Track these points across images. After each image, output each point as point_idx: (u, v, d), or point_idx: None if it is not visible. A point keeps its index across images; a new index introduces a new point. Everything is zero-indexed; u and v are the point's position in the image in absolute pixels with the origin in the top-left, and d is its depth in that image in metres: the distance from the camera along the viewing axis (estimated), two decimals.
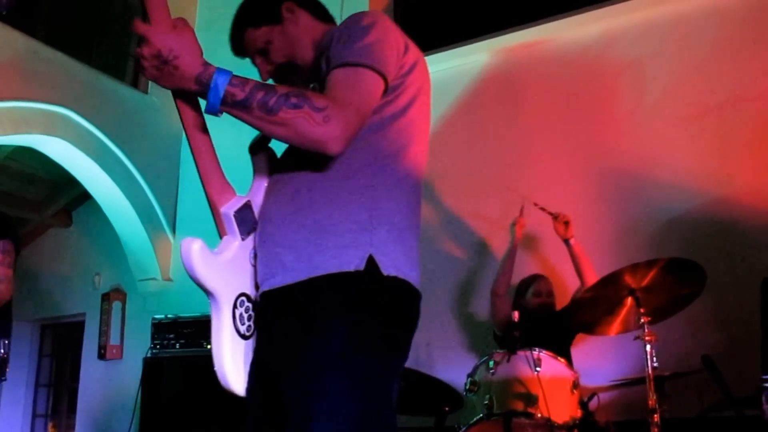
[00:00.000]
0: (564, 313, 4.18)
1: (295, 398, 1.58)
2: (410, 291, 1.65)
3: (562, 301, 4.45)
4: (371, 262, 1.57)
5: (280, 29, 1.90)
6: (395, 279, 1.60)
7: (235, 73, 1.58)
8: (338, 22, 1.99)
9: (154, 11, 1.59)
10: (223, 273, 1.66)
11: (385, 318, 1.58)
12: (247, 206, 1.74)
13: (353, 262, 1.56)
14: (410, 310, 1.67)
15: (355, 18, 1.75)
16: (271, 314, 1.68)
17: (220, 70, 1.58)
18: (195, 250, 1.59)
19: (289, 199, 1.69)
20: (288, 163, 1.77)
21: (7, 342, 3.62)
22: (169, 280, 6.89)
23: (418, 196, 1.79)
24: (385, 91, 1.68)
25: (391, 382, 1.62)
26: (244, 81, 1.56)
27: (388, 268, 1.58)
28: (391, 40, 1.71)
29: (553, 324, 4.26)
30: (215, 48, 7.58)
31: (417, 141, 1.79)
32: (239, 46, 1.96)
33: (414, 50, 1.81)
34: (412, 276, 1.66)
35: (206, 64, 1.60)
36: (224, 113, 1.60)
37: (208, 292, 1.68)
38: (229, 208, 1.70)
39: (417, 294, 1.69)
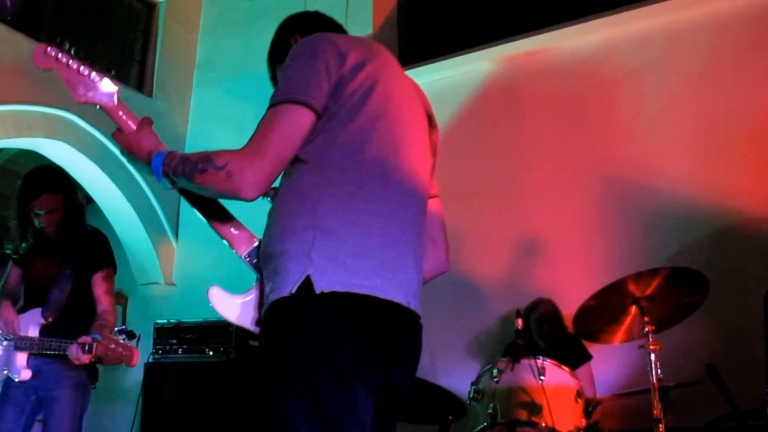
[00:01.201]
0: (574, 338, 4.17)
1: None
2: (358, 302, 1.67)
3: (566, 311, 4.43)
4: (307, 283, 1.64)
5: None
6: (333, 295, 1.64)
7: (167, 152, 1.82)
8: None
9: (117, 121, 1.93)
10: (245, 309, 1.85)
11: (323, 336, 1.64)
12: (259, 246, 1.88)
13: (288, 287, 1.66)
14: (357, 320, 1.67)
15: (290, 53, 1.87)
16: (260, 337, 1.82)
17: (157, 155, 1.82)
18: (213, 295, 1.83)
19: (265, 231, 1.84)
20: None
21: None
22: (172, 284, 6.88)
23: (388, 202, 1.79)
24: (319, 111, 1.76)
25: (346, 396, 1.63)
26: (172, 159, 1.79)
27: (322, 286, 1.63)
28: (318, 59, 1.79)
29: (561, 345, 4.24)
30: (219, 50, 7.58)
31: (373, 145, 1.80)
32: (275, 80, 2.16)
33: (358, 52, 1.85)
34: (368, 286, 1.68)
35: (150, 153, 1.84)
36: (177, 187, 1.85)
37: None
38: (243, 251, 1.89)
39: (369, 301, 1.68)
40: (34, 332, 3.65)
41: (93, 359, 3.47)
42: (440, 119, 6.04)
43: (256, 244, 1.88)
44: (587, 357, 4.23)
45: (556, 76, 5.38)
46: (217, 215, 1.91)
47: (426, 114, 2.10)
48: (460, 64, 5.73)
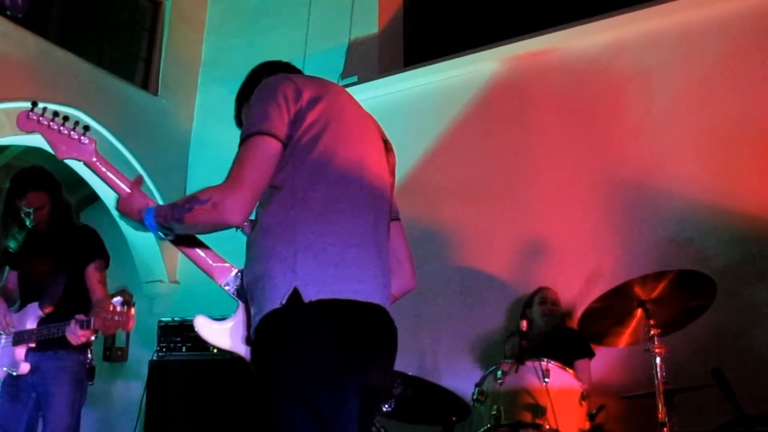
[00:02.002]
0: (575, 333, 4.16)
1: None
2: (342, 306, 1.85)
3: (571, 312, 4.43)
4: (295, 294, 1.81)
5: None
6: (320, 302, 1.81)
7: (155, 206, 2.01)
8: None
9: (101, 176, 2.13)
10: (232, 334, 1.99)
11: (313, 341, 1.81)
12: (239, 275, 2.05)
13: (278, 299, 1.82)
14: (343, 322, 1.84)
15: (252, 95, 2.11)
16: (252, 351, 1.96)
17: (147, 211, 2.00)
18: (199, 324, 1.98)
19: (247, 258, 1.99)
20: None
21: (92, 349, 3.93)
22: (176, 282, 6.88)
23: (356, 214, 1.97)
24: (283, 140, 1.95)
25: (337, 393, 1.80)
26: (161, 209, 1.98)
27: (310, 295, 1.81)
28: (278, 95, 1.99)
29: (562, 335, 4.24)
30: (224, 49, 7.58)
31: (337, 165, 1.99)
32: (239, 119, 2.37)
33: (314, 88, 2.06)
34: (351, 291, 1.86)
35: (141, 212, 2.02)
36: (173, 235, 2.01)
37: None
38: (222, 281, 2.06)
39: (351, 305, 1.86)
40: (32, 325, 3.71)
41: (92, 336, 3.58)
42: (445, 119, 6.10)
43: (235, 272, 2.05)
44: (589, 353, 4.21)
45: (562, 76, 5.36)
46: (197, 250, 2.07)
47: (381, 138, 2.27)
48: (466, 64, 5.71)
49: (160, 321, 5.57)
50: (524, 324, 3.56)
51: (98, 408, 7.03)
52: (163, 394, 5.34)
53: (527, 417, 3.29)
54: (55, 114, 2.17)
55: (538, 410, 3.28)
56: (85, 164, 2.12)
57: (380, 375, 1.97)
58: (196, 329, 1.97)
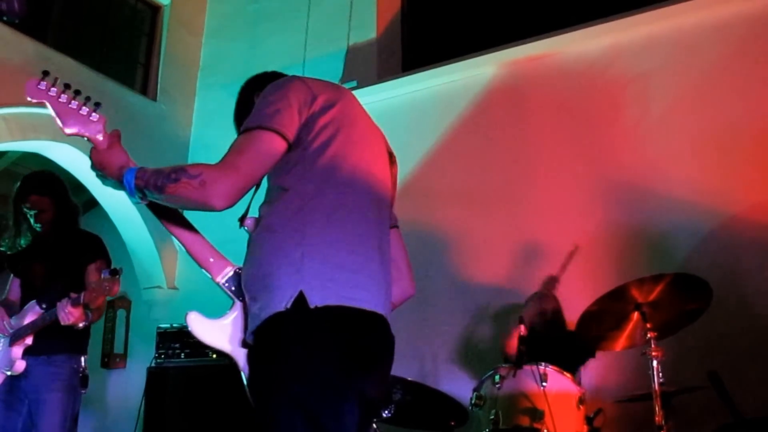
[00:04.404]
0: (575, 335, 4.16)
1: None
2: (349, 315, 1.82)
3: (569, 316, 4.43)
4: (301, 298, 1.77)
5: None
6: (326, 308, 1.78)
7: (139, 168, 1.92)
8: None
9: (90, 138, 2.01)
10: (225, 332, 1.95)
11: (317, 347, 1.77)
12: (237, 273, 2.01)
13: (283, 302, 1.78)
14: (348, 330, 1.81)
15: (264, 91, 2.03)
16: (251, 354, 1.91)
17: (129, 170, 1.91)
18: (191, 320, 1.93)
19: (249, 256, 1.95)
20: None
21: (85, 357, 3.84)
22: (175, 288, 6.89)
23: (361, 222, 1.95)
24: (290, 141, 1.91)
25: (337, 403, 1.77)
26: (144, 172, 1.89)
27: (316, 301, 1.77)
28: (291, 96, 1.95)
29: (562, 343, 4.23)
30: (223, 54, 7.58)
31: (346, 171, 1.97)
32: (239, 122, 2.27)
33: (328, 93, 2.04)
34: (357, 299, 1.84)
35: (121, 168, 1.94)
36: (147, 200, 1.93)
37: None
38: (220, 278, 2.00)
39: (356, 313, 1.83)
40: (30, 321, 3.70)
41: (82, 321, 3.52)
42: (444, 124, 6.11)
43: (234, 270, 2.01)
44: (590, 353, 4.17)
45: (560, 80, 5.38)
46: (196, 243, 2.03)
47: (387, 150, 2.26)
48: (464, 69, 5.73)
49: (158, 327, 5.57)
50: (522, 328, 3.56)
51: (96, 415, 7.04)
52: (161, 400, 5.33)
53: (525, 421, 3.30)
54: (67, 86, 2.07)
55: (536, 414, 3.28)
56: (89, 141, 2.02)
57: (378, 385, 1.96)
58: (188, 325, 1.92)
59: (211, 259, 2.02)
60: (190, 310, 1.93)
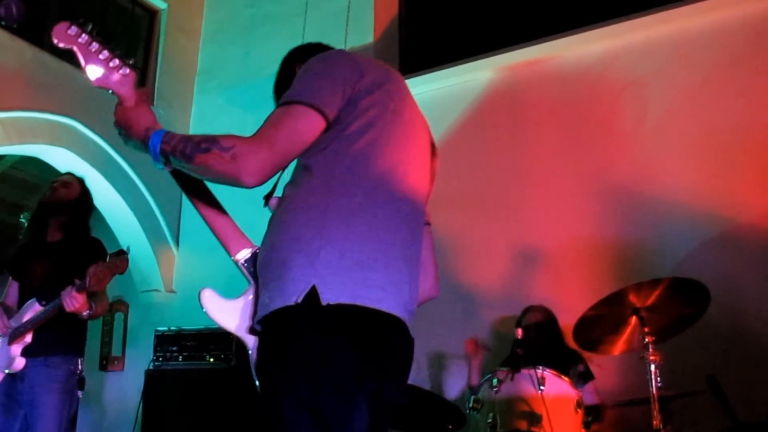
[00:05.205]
0: (563, 347, 4.17)
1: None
2: (362, 315, 1.69)
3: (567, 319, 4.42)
4: (313, 293, 1.65)
5: None
6: (338, 307, 1.65)
7: (166, 131, 1.80)
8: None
9: (118, 92, 1.89)
10: (237, 314, 1.86)
11: (327, 347, 1.66)
12: (256, 254, 1.89)
13: (294, 296, 1.66)
14: (360, 331, 1.69)
15: (307, 63, 1.90)
16: (259, 345, 1.82)
17: (156, 132, 1.80)
18: (204, 297, 1.84)
19: (266, 238, 1.84)
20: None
21: (82, 359, 3.84)
22: (172, 291, 6.89)
23: (391, 218, 1.81)
24: (330, 121, 1.78)
25: (346, 406, 1.66)
26: (172, 137, 1.78)
27: (328, 298, 1.65)
28: (336, 72, 1.83)
29: (555, 352, 4.22)
30: (220, 58, 7.57)
31: (382, 161, 1.84)
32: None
33: (376, 73, 1.90)
34: (373, 299, 1.70)
35: (148, 130, 1.82)
36: (171, 167, 1.83)
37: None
38: (238, 257, 1.89)
39: (372, 314, 1.70)
40: (29, 318, 3.71)
41: (86, 309, 3.55)
42: (441, 128, 6.11)
43: (253, 251, 1.90)
44: (589, 377, 4.14)
45: (557, 85, 5.39)
46: (219, 218, 1.93)
47: (429, 141, 2.14)
48: (461, 73, 5.74)
49: (156, 330, 5.57)
50: (519, 332, 3.57)
51: (94, 417, 7.03)
52: (159, 403, 5.33)
53: (523, 425, 3.29)
54: (98, 34, 1.93)
55: (534, 418, 3.28)
56: (115, 95, 1.89)
57: (394, 389, 1.85)
58: (201, 302, 1.84)
59: (232, 237, 1.91)
60: (205, 287, 1.85)
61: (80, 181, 4.17)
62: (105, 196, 6.50)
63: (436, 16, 6.47)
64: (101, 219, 6.76)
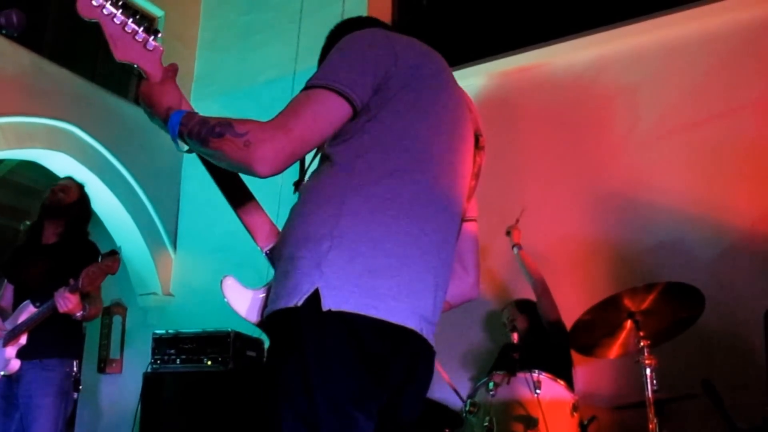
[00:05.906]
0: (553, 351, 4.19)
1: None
2: (367, 324, 1.53)
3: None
4: (315, 296, 1.51)
5: None
6: (340, 314, 1.51)
7: (187, 111, 1.69)
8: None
9: (143, 68, 1.81)
10: (255, 305, 1.76)
11: (326, 358, 1.51)
12: None
13: (296, 297, 1.53)
14: (364, 344, 1.53)
15: (339, 42, 1.75)
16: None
17: (176, 112, 1.69)
18: (226, 285, 1.76)
19: (282, 232, 1.72)
20: None
21: (78, 362, 3.91)
22: (170, 295, 6.90)
23: (416, 220, 1.63)
24: (358, 108, 1.63)
25: (343, 423, 1.52)
26: (191, 117, 1.66)
27: (330, 304, 1.51)
28: (367, 53, 1.68)
29: (548, 346, 4.24)
30: (216, 65, 7.58)
31: (413, 155, 1.67)
32: None
33: (413, 55, 1.75)
34: (381, 309, 1.54)
35: (170, 109, 1.71)
36: (187, 146, 1.72)
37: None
38: (265, 246, 1.80)
39: (379, 325, 1.54)
40: (23, 319, 3.72)
41: (83, 311, 3.59)
42: None
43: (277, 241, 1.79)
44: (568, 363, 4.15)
45: (549, 91, 5.42)
46: (246, 205, 1.82)
47: (474, 133, 1.94)
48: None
49: (154, 333, 5.57)
50: (515, 336, 3.59)
51: (92, 420, 7.04)
52: (157, 406, 5.33)
53: (519, 428, 3.31)
54: (124, 6, 1.80)
55: (530, 422, 3.30)
56: (141, 71, 1.81)
57: (410, 407, 1.72)
58: (222, 290, 1.74)
59: (260, 225, 1.80)
60: (227, 275, 1.77)
61: (80, 187, 4.21)
62: (103, 200, 6.52)
63: (428, 24, 6.49)
64: (99, 223, 6.77)
